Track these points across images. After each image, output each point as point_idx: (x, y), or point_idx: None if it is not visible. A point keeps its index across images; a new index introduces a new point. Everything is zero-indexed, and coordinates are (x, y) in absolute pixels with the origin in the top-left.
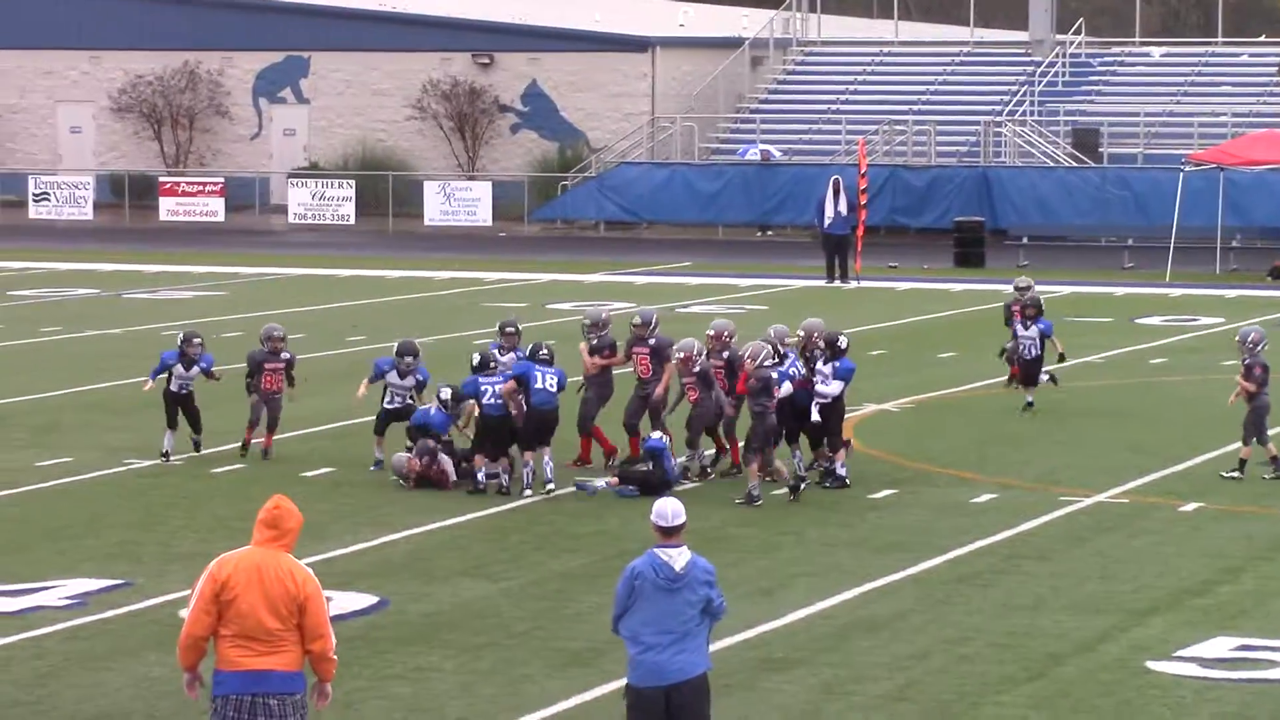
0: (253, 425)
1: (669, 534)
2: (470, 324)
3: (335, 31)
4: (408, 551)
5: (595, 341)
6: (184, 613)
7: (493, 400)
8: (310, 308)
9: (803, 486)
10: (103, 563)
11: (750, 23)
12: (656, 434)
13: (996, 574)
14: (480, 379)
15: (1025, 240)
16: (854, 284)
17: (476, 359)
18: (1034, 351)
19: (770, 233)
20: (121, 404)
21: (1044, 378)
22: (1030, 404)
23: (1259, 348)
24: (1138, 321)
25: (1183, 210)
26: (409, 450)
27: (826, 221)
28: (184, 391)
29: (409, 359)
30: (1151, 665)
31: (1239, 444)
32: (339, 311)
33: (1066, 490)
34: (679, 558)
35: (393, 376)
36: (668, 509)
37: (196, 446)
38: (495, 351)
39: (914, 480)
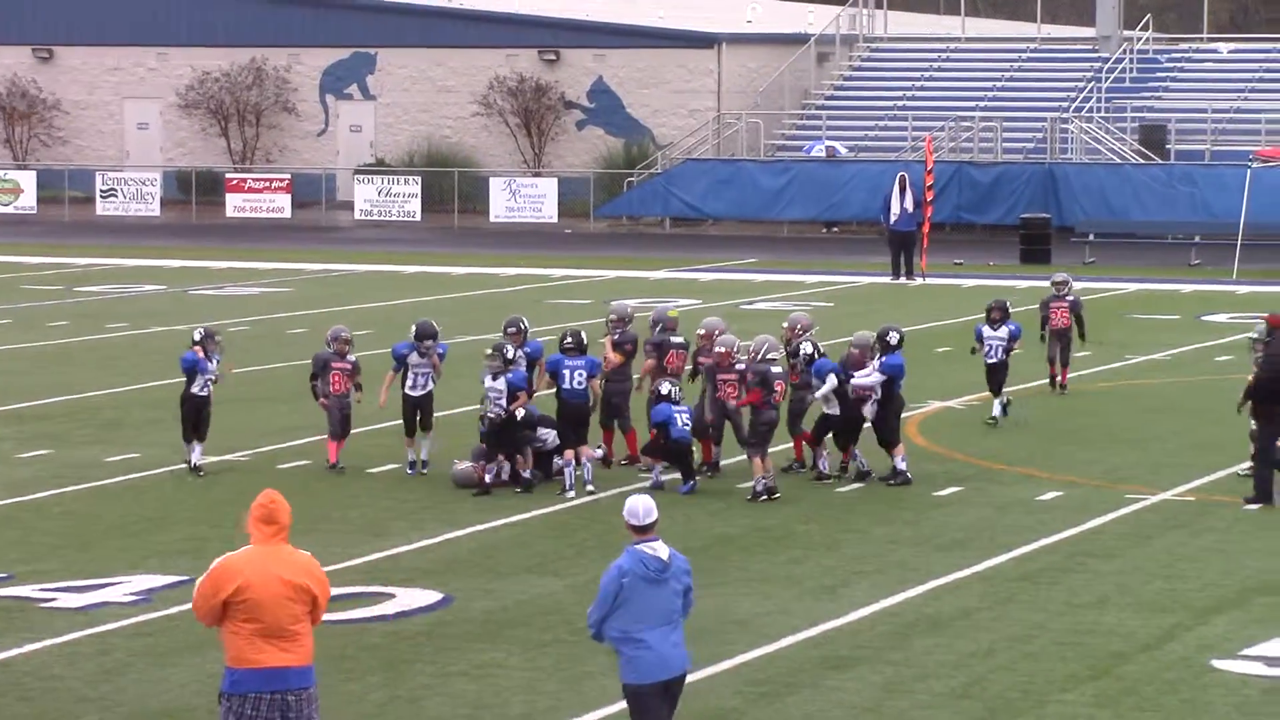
0: (333, 437)
1: (643, 531)
2: (535, 320)
3: (402, 28)
4: (472, 548)
5: (618, 336)
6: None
7: (573, 385)
8: (376, 304)
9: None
10: (168, 559)
11: (816, 19)
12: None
13: (1061, 571)
14: (565, 360)
15: (1091, 237)
16: (919, 280)
17: (569, 339)
18: (999, 355)
19: (835, 229)
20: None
21: (996, 407)
22: (998, 416)
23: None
24: (1204, 319)
25: (1250, 207)
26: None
27: (892, 218)
28: (206, 393)
29: (428, 342)
30: (1216, 664)
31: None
32: (404, 308)
33: (1132, 488)
34: (661, 549)
35: (413, 357)
36: (639, 507)
37: (196, 469)
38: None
39: (978, 477)
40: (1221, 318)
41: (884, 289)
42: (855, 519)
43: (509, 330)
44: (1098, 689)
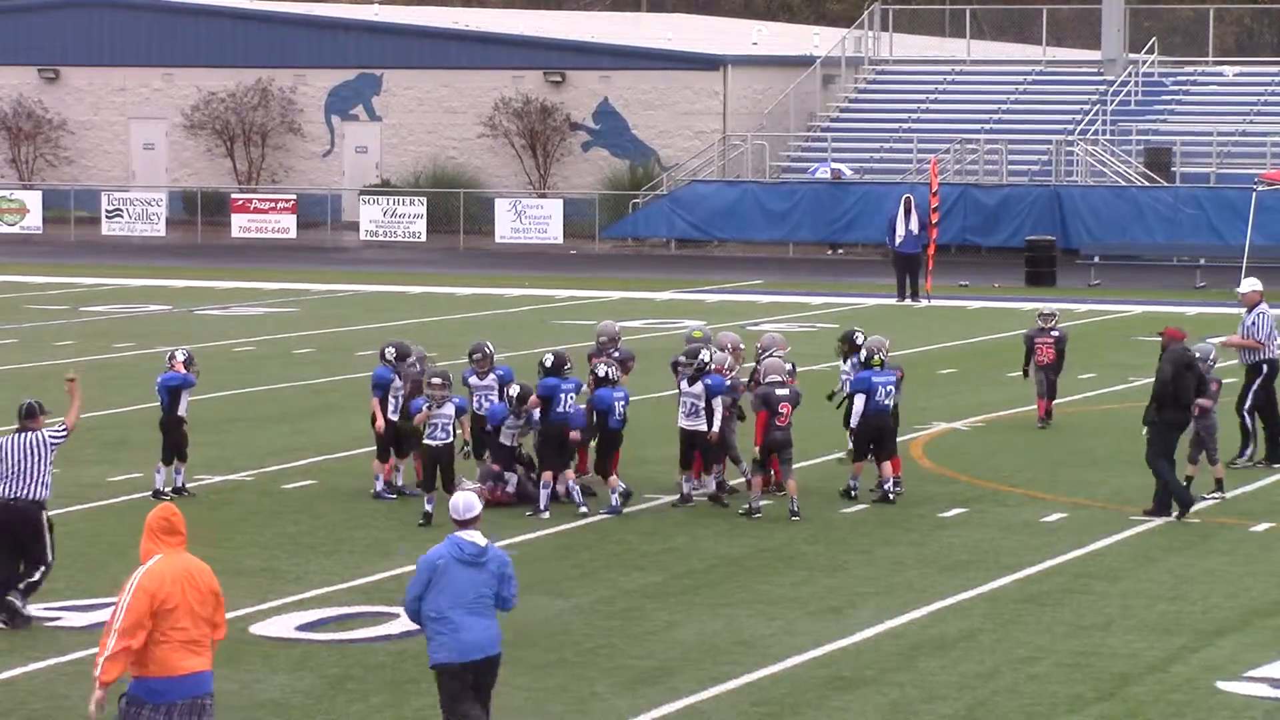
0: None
1: (465, 525)
2: (540, 341)
3: (408, 49)
4: None
5: (617, 356)
6: (114, 632)
7: (565, 408)
8: (381, 325)
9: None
10: None
11: (822, 41)
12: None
13: (1066, 593)
14: (562, 384)
15: (1097, 259)
16: (925, 303)
17: (550, 360)
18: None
19: (841, 251)
20: (191, 420)
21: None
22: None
23: (1213, 365)
24: (1209, 341)
25: (1255, 230)
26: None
27: (898, 240)
28: (182, 414)
29: (410, 361)
30: (1222, 686)
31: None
32: (410, 329)
33: (1137, 510)
34: (479, 538)
35: (396, 382)
36: (460, 503)
37: (180, 490)
38: (472, 378)
39: (984, 499)
40: None
41: (889, 311)
42: (860, 540)
43: (474, 356)
44: (1103, 711)
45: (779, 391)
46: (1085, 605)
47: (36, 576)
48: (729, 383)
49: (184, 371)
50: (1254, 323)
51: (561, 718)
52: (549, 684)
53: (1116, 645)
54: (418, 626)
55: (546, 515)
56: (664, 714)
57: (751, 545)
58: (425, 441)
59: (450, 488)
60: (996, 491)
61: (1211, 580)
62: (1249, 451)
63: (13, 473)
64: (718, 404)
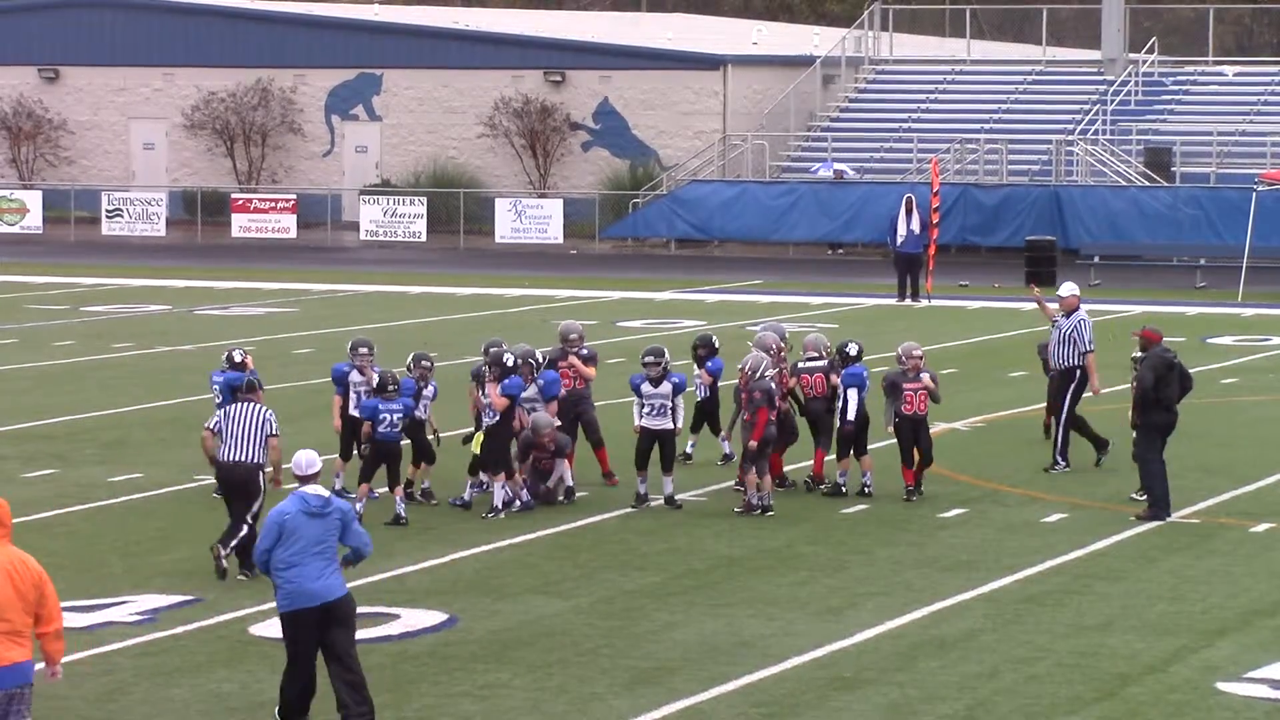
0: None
1: (307, 480)
2: (540, 342)
3: (408, 49)
4: (477, 569)
5: (585, 353)
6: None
7: (387, 429)
8: (381, 325)
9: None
10: (173, 578)
11: (822, 41)
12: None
13: (1066, 593)
14: (380, 404)
15: (1097, 259)
16: (925, 302)
17: (376, 380)
18: (703, 392)
19: (841, 250)
20: (193, 420)
21: (724, 443)
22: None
23: None
24: (1209, 341)
25: (1255, 230)
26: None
27: (899, 240)
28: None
29: (365, 349)
30: (1222, 686)
31: None
32: (409, 328)
33: (1136, 510)
34: (322, 490)
35: (354, 375)
36: (302, 460)
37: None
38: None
39: (984, 499)
40: (1227, 340)
41: (890, 310)
42: (860, 540)
43: (422, 364)
44: (1102, 711)
45: (772, 386)
46: (1085, 605)
47: (244, 531)
48: (773, 384)
49: (248, 372)
50: (1075, 328)
51: (561, 718)
52: (549, 684)
53: (1116, 645)
54: (267, 571)
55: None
56: (664, 714)
57: (752, 545)
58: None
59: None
60: (996, 491)
61: (1211, 580)
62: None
63: (234, 438)
64: (680, 402)
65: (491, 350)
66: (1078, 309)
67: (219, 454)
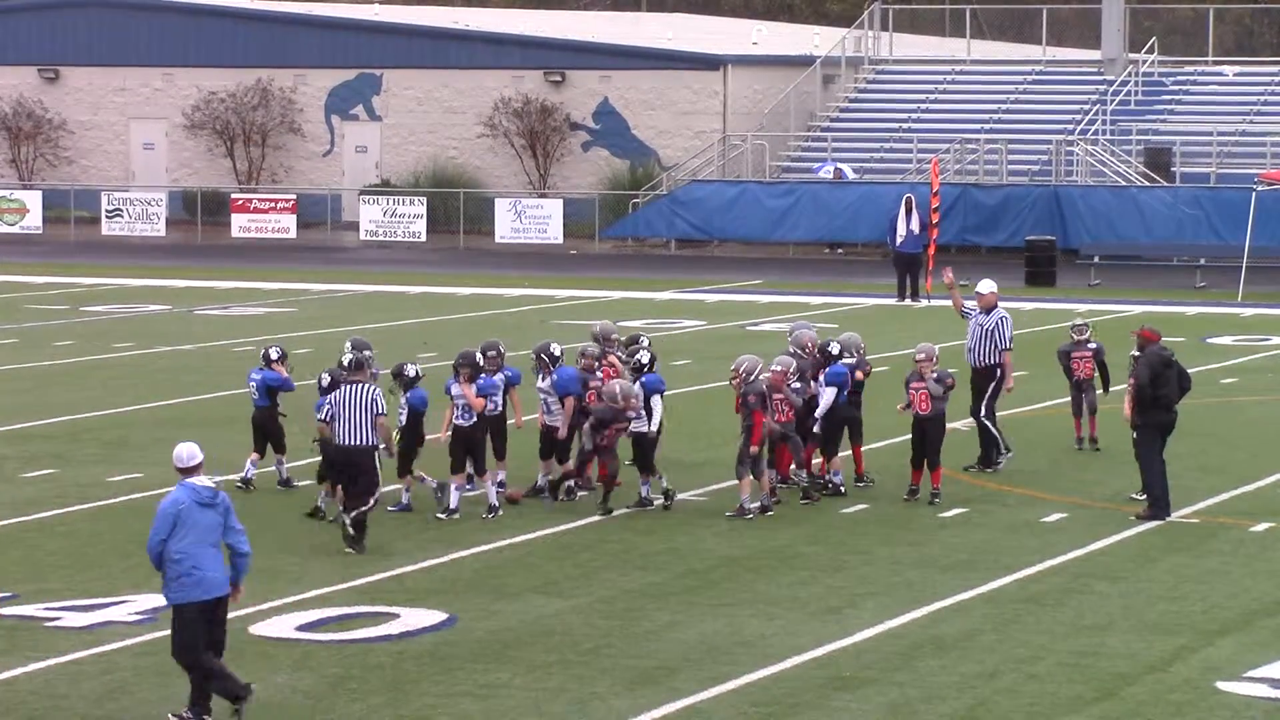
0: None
1: (189, 472)
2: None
3: (408, 49)
4: (476, 569)
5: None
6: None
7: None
8: (380, 325)
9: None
10: None
11: (822, 41)
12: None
13: (1066, 593)
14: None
15: (1097, 259)
16: (924, 302)
17: (326, 379)
18: (552, 407)
19: (841, 250)
20: (193, 420)
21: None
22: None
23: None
24: (1209, 341)
25: (1255, 230)
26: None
27: (898, 240)
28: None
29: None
30: (1222, 686)
31: None
32: (409, 329)
33: (1136, 510)
34: (208, 482)
35: (454, 389)
36: (184, 452)
37: (286, 483)
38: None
39: (984, 499)
40: (1227, 340)
41: (889, 310)
42: (860, 540)
43: (488, 354)
44: (1103, 711)
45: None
46: (1085, 605)
47: (368, 505)
48: (765, 386)
49: (284, 374)
50: (996, 326)
51: (561, 718)
52: (549, 684)
53: (1116, 645)
54: (159, 565)
55: (458, 517)
56: (664, 714)
57: (752, 545)
58: (457, 422)
59: (481, 469)
60: (996, 491)
61: (1211, 580)
62: (1009, 455)
63: (346, 422)
64: (656, 401)
65: (464, 350)
66: (996, 306)
67: (335, 439)
